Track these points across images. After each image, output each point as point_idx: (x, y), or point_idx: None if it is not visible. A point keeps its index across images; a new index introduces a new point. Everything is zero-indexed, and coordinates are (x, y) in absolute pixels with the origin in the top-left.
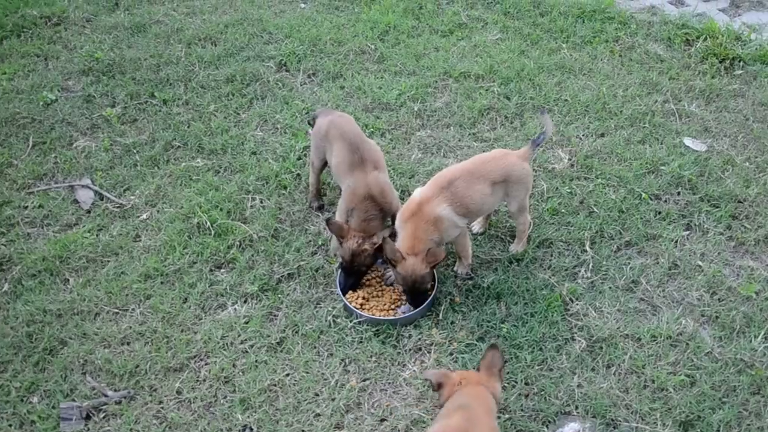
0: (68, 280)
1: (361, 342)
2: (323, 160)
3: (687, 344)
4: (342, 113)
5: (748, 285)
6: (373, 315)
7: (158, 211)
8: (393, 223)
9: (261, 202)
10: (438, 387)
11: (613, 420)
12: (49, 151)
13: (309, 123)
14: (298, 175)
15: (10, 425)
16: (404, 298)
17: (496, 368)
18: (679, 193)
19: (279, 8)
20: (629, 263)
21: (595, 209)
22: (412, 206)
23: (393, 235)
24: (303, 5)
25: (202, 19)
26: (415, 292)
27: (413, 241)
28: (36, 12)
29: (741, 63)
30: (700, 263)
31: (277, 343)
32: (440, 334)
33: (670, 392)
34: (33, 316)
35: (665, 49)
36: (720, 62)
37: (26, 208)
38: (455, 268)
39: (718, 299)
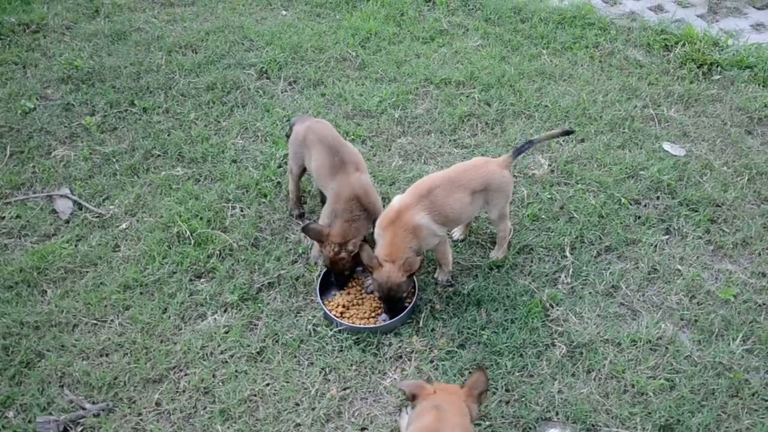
0: (46, 291)
1: (341, 351)
2: (302, 167)
3: (666, 348)
4: (319, 119)
5: (727, 288)
6: (353, 323)
7: (138, 221)
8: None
9: (241, 211)
10: (413, 398)
11: (593, 425)
12: (27, 161)
13: (287, 135)
14: (279, 183)
15: None
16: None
17: (478, 391)
18: (658, 198)
19: (260, 15)
20: (609, 268)
21: (575, 215)
22: (391, 214)
23: (369, 241)
24: (284, 12)
25: (182, 27)
26: (391, 300)
27: (391, 249)
28: (14, 19)
29: (719, 68)
30: (679, 267)
31: (257, 352)
32: (421, 341)
33: (650, 396)
34: (9, 329)
35: (644, 54)
36: (698, 67)
37: (3, 218)
38: (435, 275)
39: (697, 303)
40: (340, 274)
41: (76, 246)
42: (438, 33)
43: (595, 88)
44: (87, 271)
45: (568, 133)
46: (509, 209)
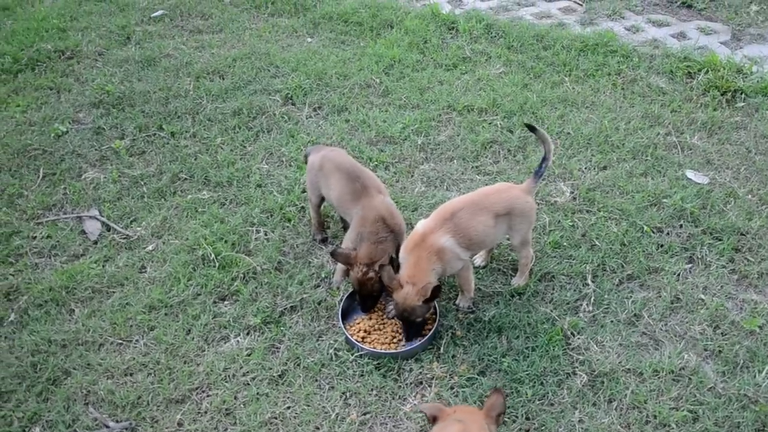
0: (74, 310)
1: (362, 375)
2: (320, 196)
3: (690, 379)
4: (333, 147)
5: (752, 319)
6: (374, 348)
7: (164, 243)
8: (398, 254)
9: (265, 235)
10: (433, 420)
11: None
12: (59, 182)
13: (304, 161)
14: (302, 207)
15: None
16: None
17: (496, 412)
18: (681, 226)
19: (286, 42)
20: (631, 297)
21: (597, 242)
22: (416, 237)
23: (394, 263)
24: (309, 40)
25: (210, 53)
26: (405, 322)
27: (415, 271)
28: (50, 46)
29: (743, 95)
30: (702, 297)
31: (279, 375)
32: (441, 367)
33: (673, 428)
34: (38, 346)
35: (667, 81)
36: (722, 95)
37: (35, 238)
38: (457, 302)
39: (721, 333)
40: (369, 296)
41: (103, 267)
42: (461, 60)
43: (617, 116)
44: (114, 292)
45: (530, 128)
46: (531, 236)
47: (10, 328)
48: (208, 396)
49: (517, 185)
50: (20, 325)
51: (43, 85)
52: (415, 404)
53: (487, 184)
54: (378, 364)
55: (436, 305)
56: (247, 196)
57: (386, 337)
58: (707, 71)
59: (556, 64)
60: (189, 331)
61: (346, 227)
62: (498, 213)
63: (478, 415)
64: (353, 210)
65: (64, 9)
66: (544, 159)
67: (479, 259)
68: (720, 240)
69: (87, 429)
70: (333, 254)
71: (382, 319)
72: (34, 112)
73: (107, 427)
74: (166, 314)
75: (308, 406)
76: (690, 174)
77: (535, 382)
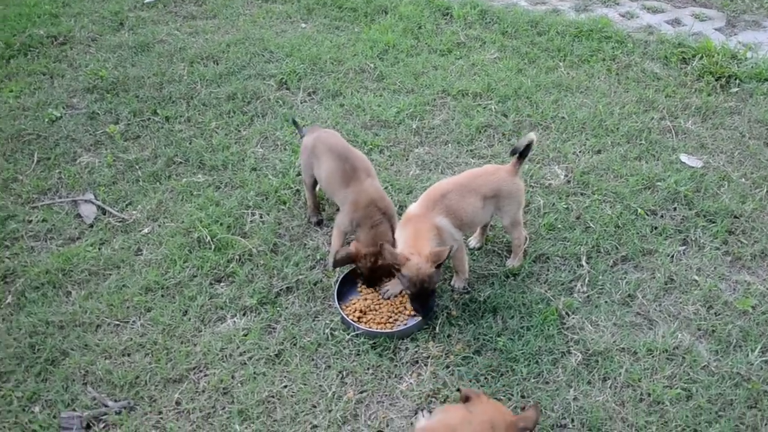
0: (70, 292)
1: (358, 354)
2: (313, 177)
3: (683, 358)
4: (328, 129)
5: (745, 299)
6: (370, 328)
7: (159, 226)
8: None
9: (261, 217)
10: (465, 399)
11: None
12: (54, 167)
13: (293, 122)
14: (298, 190)
15: None
16: (405, 310)
17: (523, 426)
18: (675, 209)
19: (280, 28)
20: (625, 278)
21: (592, 225)
22: (410, 216)
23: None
24: (304, 25)
25: (204, 39)
26: (423, 294)
27: (414, 242)
28: (43, 32)
29: (737, 81)
30: (696, 278)
31: (276, 355)
32: (437, 347)
33: (667, 406)
34: (36, 328)
35: (662, 67)
36: (716, 80)
37: (30, 222)
38: (452, 282)
39: (715, 313)
40: (378, 279)
41: (99, 249)
42: (455, 45)
43: (611, 100)
44: (110, 274)
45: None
46: (523, 217)
47: (7, 310)
48: (205, 375)
49: (504, 167)
50: (18, 307)
51: (36, 70)
52: (410, 383)
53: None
54: (374, 343)
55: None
56: (242, 180)
57: (382, 317)
58: (702, 57)
59: (550, 49)
60: (186, 312)
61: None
62: (486, 195)
63: (501, 416)
64: (341, 193)
65: None
66: (528, 147)
67: (474, 241)
68: (713, 222)
69: (86, 408)
70: (336, 264)
71: (378, 299)
72: (27, 97)
73: (106, 406)
74: (162, 296)
75: (305, 384)
76: (684, 158)
77: (530, 361)
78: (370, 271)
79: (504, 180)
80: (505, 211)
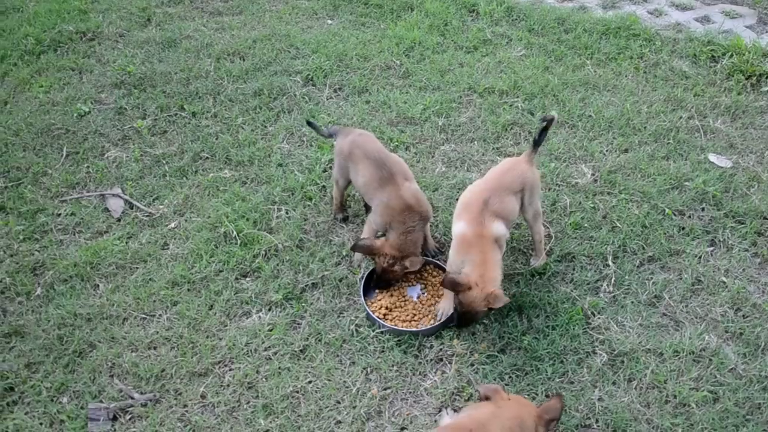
0: (98, 285)
1: (383, 351)
2: (347, 179)
3: (710, 360)
4: (362, 131)
5: None
6: (395, 326)
7: (186, 221)
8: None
9: (286, 213)
10: (485, 398)
11: None
12: (82, 161)
13: (327, 136)
14: (323, 186)
15: (41, 424)
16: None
17: (549, 417)
18: (703, 209)
19: (306, 24)
20: (652, 278)
21: (618, 224)
22: (469, 238)
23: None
24: (330, 21)
25: (231, 35)
26: (468, 318)
27: (483, 270)
28: (72, 27)
29: None
30: (724, 279)
31: (300, 350)
32: (461, 345)
33: (693, 408)
34: (64, 320)
35: (690, 65)
36: (746, 79)
37: (59, 215)
38: None
39: (743, 316)
40: (388, 281)
41: (126, 243)
42: (481, 43)
43: (639, 99)
44: (137, 268)
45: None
46: (541, 208)
47: (37, 302)
48: (230, 370)
49: (519, 159)
50: (46, 299)
51: (65, 66)
52: (434, 381)
53: None
54: (399, 340)
55: None
56: (269, 175)
57: (407, 315)
58: (732, 55)
59: (577, 47)
60: (211, 306)
61: (368, 209)
62: (515, 190)
63: (527, 410)
64: (378, 197)
65: None
66: (545, 130)
67: None
68: (743, 223)
69: (113, 399)
70: (355, 248)
71: (404, 296)
72: (56, 92)
73: (132, 398)
74: (188, 290)
75: (329, 380)
76: (713, 157)
77: (555, 361)
78: (383, 270)
79: (526, 172)
80: (530, 203)
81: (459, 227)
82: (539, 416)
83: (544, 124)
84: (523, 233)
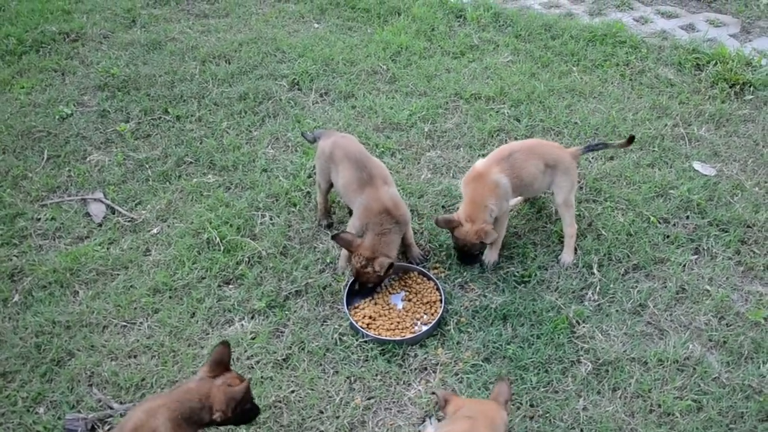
0: (78, 292)
1: (366, 360)
2: (329, 182)
3: (694, 369)
4: (344, 134)
5: (757, 311)
6: (379, 335)
7: (169, 226)
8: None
9: (270, 219)
10: (445, 402)
11: None
12: (63, 165)
13: (310, 142)
14: (308, 192)
15: None
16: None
17: (503, 399)
18: (687, 217)
19: (293, 28)
20: (636, 286)
21: (603, 232)
22: (473, 174)
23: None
24: (316, 25)
25: (216, 38)
26: (464, 253)
27: (471, 208)
28: (55, 28)
29: (751, 88)
30: (708, 288)
31: (283, 359)
32: (446, 354)
33: (677, 417)
34: (42, 327)
35: (675, 73)
36: (730, 87)
37: (39, 220)
38: (483, 257)
39: (726, 324)
40: (364, 286)
41: (108, 249)
42: (468, 48)
43: (625, 106)
44: (118, 274)
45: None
46: (574, 203)
47: (14, 309)
48: None
49: (570, 148)
50: (24, 306)
51: (47, 67)
52: (419, 390)
53: None
54: (383, 349)
55: (443, 291)
56: (253, 181)
57: (391, 323)
58: (716, 63)
59: (564, 53)
60: (193, 314)
61: (351, 213)
62: (547, 163)
63: (490, 407)
64: (357, 199)
65: None
66: (603, 144)
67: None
68: (726, 232)
69: (91, 410)
70: (335, 237)
71: (388, 305)
72: (38, 93)
73: (111, 408)
74: (170, 297)
75: (312, 390)
76: (697, 165)
77: (539, 370)
78: (357, 271)
79: (565, 156)
80: (560, 187)
81: (477, 162)
82: (499, 404)
83: (605, 145)
84: (507, 241)
